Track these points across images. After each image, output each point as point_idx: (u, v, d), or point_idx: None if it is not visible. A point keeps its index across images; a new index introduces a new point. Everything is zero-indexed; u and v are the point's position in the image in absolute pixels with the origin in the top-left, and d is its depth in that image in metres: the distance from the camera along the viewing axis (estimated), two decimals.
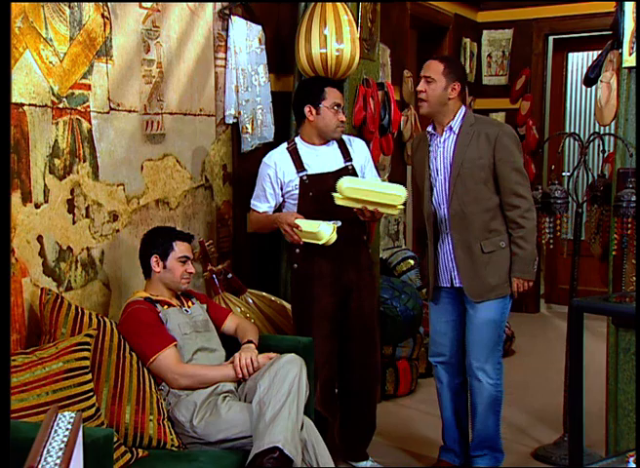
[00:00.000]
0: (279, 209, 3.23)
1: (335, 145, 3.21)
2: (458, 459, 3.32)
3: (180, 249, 2.79)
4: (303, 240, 3.02)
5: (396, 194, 2.97)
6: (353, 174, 3.15)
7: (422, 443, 3.67)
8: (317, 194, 3.09)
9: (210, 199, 3.50)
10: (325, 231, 2.98)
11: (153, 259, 2.76)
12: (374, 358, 3.32)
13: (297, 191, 3.12)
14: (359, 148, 3.27)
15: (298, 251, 3.14)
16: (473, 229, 3.04)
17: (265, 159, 3.21)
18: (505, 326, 3.34)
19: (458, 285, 3.11)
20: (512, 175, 3.02)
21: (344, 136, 3.26)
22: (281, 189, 3.16)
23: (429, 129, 3.15)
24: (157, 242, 2.79)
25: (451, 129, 3.07)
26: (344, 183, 2.97)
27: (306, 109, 3.13)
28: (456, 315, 3.20)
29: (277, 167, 3.15)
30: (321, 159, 3.16)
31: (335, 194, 2.98)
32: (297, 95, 3.30)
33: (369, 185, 3.00)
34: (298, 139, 3.22)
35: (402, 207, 3.02)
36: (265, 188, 3.18)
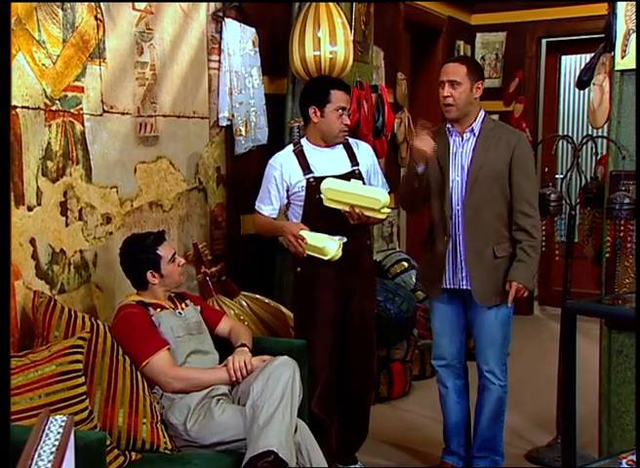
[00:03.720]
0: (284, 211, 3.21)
1: (341, 148, 3.17)
2: (462, 462, 3.31)
3: (166, 253, 2.76)
4: (307, 253, 2.99)
5: (375, 198, 2.95)
6: (360, 178, 3.12)
7: (420, 443, 3.68)
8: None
9: (204, 201, 3.50)
10: (331, 247, 2.96)
11: (149, 275, 2.73)
12: (371, 361, 3.31)
13: (303, 193, 3.08)
14: (365, 152, 3.23)
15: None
16: (485, 234, 3.03)
17: (271, 161, 3.17)
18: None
19: (464, 287, 3.09)
20: (527, 184, 3.03)
21: (351, 140, 3.23)
22: (287, 191, 3.12)
23: (449, 126, 3.10)
24: (143, 258, 2.73)
25: (472, 131, 3.05)
26: (324, 185, 2.97)
27: (311, 111, 3.09)
28: (459, 317, 3.19)
29: (283, 168, 3.10)
30: (327, 161, 3.12)
31: (322, 196, 2.98)
32: (302, 95, 3.25)
33: (348, 188, 2.98)
34: (304, 141, 3.18)
35: (387, 211, 3.01)
36: (270, 190, 3.14)
